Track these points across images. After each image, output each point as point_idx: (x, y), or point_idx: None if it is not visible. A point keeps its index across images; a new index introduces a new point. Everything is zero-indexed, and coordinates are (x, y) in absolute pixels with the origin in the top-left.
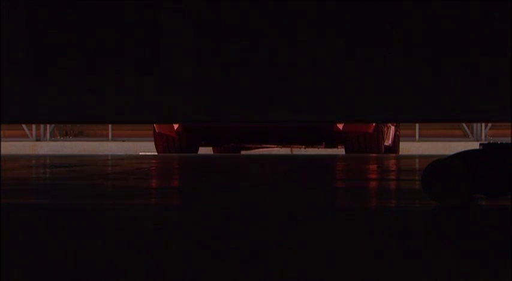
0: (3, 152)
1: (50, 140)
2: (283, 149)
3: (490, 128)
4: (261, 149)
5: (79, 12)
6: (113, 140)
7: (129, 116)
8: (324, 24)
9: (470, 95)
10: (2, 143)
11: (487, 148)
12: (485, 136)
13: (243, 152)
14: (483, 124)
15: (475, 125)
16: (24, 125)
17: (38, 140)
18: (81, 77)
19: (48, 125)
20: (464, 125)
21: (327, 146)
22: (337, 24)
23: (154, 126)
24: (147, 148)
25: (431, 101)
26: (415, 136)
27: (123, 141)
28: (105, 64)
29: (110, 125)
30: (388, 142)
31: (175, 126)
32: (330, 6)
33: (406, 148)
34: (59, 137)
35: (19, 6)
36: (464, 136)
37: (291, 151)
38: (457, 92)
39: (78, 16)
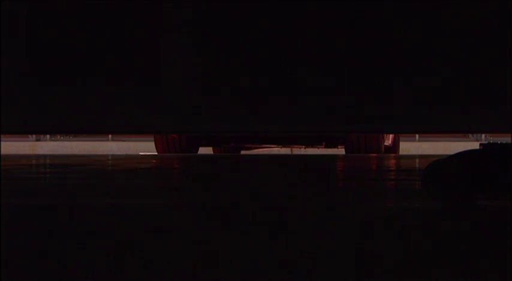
0: (3, 152)
1: (50, 140)
2: (283, 149)
3: None
4: (261, 149)
5: (78, 15)
6: (113, 140)
7: (128, 126)
8: (324, 27)
9: (469, 105)
10: (2, 143)
11: (487, 148)
12: (485, 136)
13: (243, 152)
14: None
15: None
16: None
17: (38, 140)
18: (80, 83)
19: None
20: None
21: (327, 146)
22: (337, 26)
23: None
24: (147, 148)
25: (430, 112)
26: (415, 136)
27: (123, 141)
28: (103, 68)
29: None
30: (388, 142)
31: None
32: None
33: (406, 147)
34: (59, 137)
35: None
36: (464, 136)
37: (291, 151)
38: (457, 102)
39: (78, 19)
